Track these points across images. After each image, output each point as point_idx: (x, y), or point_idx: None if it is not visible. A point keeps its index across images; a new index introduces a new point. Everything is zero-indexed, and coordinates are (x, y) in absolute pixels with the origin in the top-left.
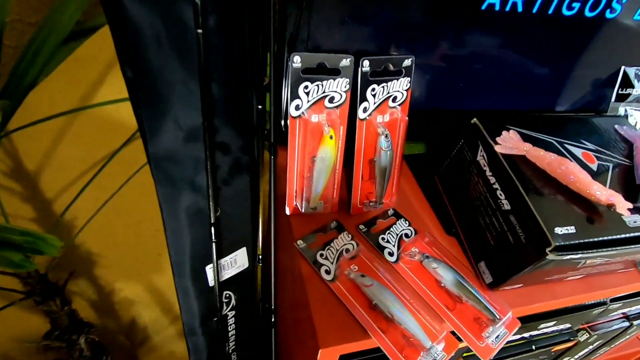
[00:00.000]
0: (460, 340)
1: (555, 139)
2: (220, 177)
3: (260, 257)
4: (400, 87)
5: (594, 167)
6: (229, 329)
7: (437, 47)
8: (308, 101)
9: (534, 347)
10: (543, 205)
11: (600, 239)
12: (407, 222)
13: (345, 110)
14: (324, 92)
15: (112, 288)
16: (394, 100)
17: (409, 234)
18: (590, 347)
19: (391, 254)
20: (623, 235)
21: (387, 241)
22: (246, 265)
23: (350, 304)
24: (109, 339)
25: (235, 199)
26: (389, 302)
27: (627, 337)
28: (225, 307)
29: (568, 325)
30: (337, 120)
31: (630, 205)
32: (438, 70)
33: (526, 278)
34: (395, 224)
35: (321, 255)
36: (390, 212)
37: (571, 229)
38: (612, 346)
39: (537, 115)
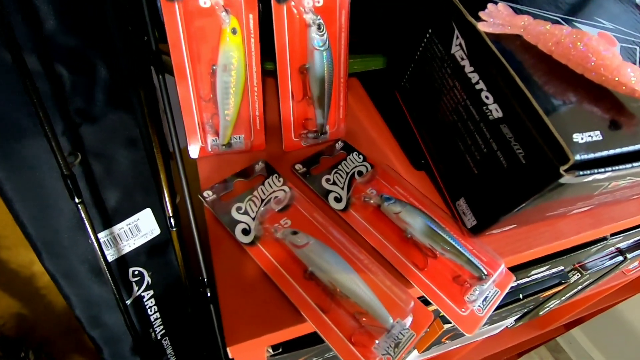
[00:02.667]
0: (440, 315)
1: (560, 15)
2: (75, 107)
3: (172, 219)
4: None
5: (616, 50)
6: (149, 312)
7: None
8: None
9: (521, 296)
10: (552, 104)
11: (638, 147)
12: (361, 156)
13: None
14: None
15: (30, 272)
16: None
17: (364, 172)
18: (580, 287)
19: (338, 200)
20: None
21: (334, 183)
22: (156, 231)
23: (276, 274)
24: (42, 330)
25: (112, 140)
26: (331, 268)
27: (617, 271)
28: (136, 287)
29: (561, 268)
30: (241, 3)
31: None
32: None
33: (522, 216)
34: (344, 159)
35: (238, 209)
36: (339, 145)
37: (596, 136)
38: (599, 283)
39: None
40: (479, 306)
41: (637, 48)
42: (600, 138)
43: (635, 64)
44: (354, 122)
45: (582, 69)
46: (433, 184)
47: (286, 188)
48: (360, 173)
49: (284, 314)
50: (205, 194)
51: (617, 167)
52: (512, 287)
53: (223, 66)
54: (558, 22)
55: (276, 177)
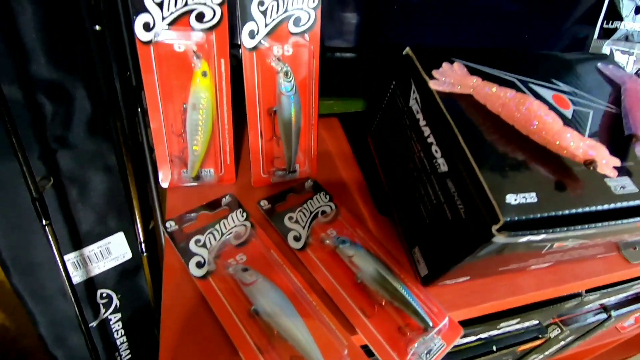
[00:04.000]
0: None
1: (518, 76)
2: (54, 134)
3: (143, 244)
4: (303, 2)
5: (568, 113)
6: (116, 336)
7: None
8: (163, 18)
9: (494, 348)
10: (492, 164)
11: (573, 211)
12: (327, 196)
13: (223, 33)
14: (185, 3)
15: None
16: (296, 23)
17: (328, 212)
18: (563, 342)
19: (297, 239)
20: (605, 207)
21: (296, 221)
22: (128, 255)
23: (221, 310)
24: (24, 343)
25: (88, 167)
26: (273, 308)
27: (604, 329)
28: (103, 310)
29: (536, 322)
30: (214, 49)
31: (616, 162)
32: None
33: (472, 269)
34: (311, 198)
35: (197, 241)
36: (308, 183)
37: (531, 198)
38: (587, 339)
39: (495, 49)
40: (419, 359)
41: (591, 112)
42: (535, 200)
43: (586, 127)
44: (328, 161)
45: (527, 131)
46: (395, 230)
47: (248, 223)
48: (324, 213)
49: (223, 352)
50: (167, 224)
51: (551, 230)
52: (482, 339)
53: (192, 105)
54: (514, 83)
55: (240, 211)
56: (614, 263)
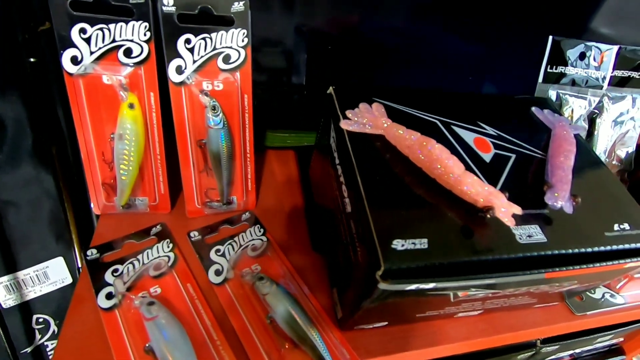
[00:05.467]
0: None
1: (441, 118)
2: None
3: (80, 269)
4: (232, 41)
5: (487, 157)
6: None
7: None
8: (92, 52)
9: None
10: (387, 207)
11: (466, 259)
12: (262, 229)
13: (151, 68)
14: (113, 40)
15: None
16: (226, 60)
17: (258, 246)
18: None
19: (219, 273)
20: (505, 256)
21: (222, 255)
22: (68, 280)
23: (119, 346)
24: None
25: (22, 192)
26: (170, 346)
27: None
28: (39, 335)
29: None
30: (142, 83)
31: (516, 210)
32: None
33: (384, 314)
34: (244, 232)
35: (115, 271)
36: (245, 216)
37: (421, 244)
38: None
39: (427, 90)
40: None
41: (513, 156)
42: (426, 247)
43: (505, 169)
44: (274, 194)
45: (433, 174)
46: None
47: (172, 255)
48: (254, 248)
49: None
50: (89, 252)
51: (440, 280)
52: None
53: (119, 135)
54: (436, 125)
55: (167, 242)
56: (556, 314)
